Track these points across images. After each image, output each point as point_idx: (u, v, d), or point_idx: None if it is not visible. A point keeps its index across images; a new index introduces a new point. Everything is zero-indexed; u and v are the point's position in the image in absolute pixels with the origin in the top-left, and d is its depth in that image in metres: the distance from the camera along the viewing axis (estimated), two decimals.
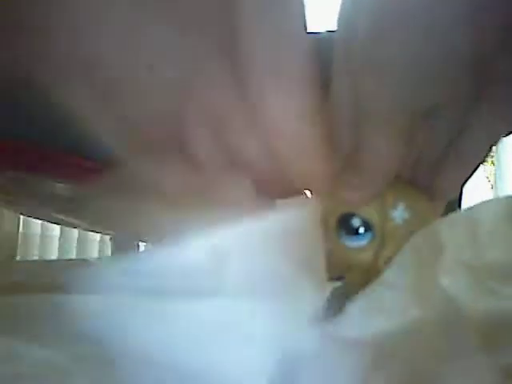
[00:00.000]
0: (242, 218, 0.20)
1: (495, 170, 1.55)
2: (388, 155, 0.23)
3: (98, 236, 1.92)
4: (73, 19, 0.19)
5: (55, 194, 0.48)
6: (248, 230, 0.21)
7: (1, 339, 0.19)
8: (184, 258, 0.20)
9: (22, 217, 1.89)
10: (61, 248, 2.00)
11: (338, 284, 0.25)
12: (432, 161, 0.25)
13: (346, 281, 0.25)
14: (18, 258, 1.90)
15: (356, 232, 0.24)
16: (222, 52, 0.22)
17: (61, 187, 0.47)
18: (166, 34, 0.21)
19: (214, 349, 0.19)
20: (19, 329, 0.20)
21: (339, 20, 0.24)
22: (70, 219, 0.58)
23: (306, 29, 0.22)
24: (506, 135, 0.25)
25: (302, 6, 0.22)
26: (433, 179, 0.25)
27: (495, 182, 1.54)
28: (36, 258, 1.94)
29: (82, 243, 1.98)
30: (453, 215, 0.22)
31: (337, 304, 0.22)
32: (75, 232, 1.97)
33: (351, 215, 0.24)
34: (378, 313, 0.21)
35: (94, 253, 1.95)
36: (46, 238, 2.01)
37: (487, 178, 1.91)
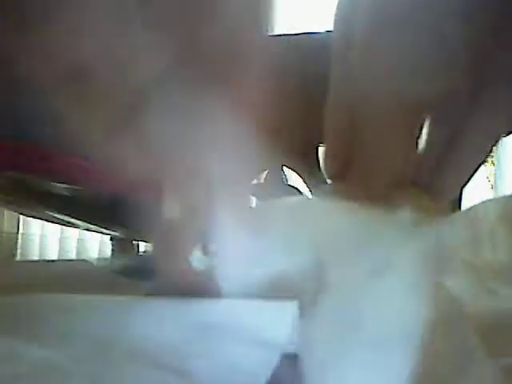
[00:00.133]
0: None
1: (495, 170, 1.55)
2: (391, 153, 0.23)
3: (98, 236, 1.93)
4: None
5: (55, 194, 0.48)
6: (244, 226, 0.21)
7: (1, 339, 0.19)
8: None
9: (21, 217, 1.89)
10: (61, 248, 2.00)
11: None
12: (432, 161, 0.25)
13: None
14: (17, 258, 1.90)
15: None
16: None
17: (61, 187, 0.47)
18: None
19: (214, 349, 0.19)
20: (19, 329, 0.20)
21: (336, 18, 0.24)
22: (70, 219, 0.58)
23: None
24: (506, 135, 0.25)
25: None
26: (433, 180, 0.25)
27: (495, 182, 1.54)
28: (36, 258, 1.94)
29: (81, 243, 1.98)
30: (454, 215, 0.22)
31: None
32: (75, 232, 1.97)
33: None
34: (377, 312, 0.21)
35: (93, 253, 1.95)
36: (46, 238, 2.01)
37: (487, 178, 1.91)
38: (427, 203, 0.25)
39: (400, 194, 0.24)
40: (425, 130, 0.25)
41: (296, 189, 0.87)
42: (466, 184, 0.25)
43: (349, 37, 0.23)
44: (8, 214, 1.90)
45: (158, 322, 0.19)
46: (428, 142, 0.25)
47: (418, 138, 0.25)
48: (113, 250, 0.79)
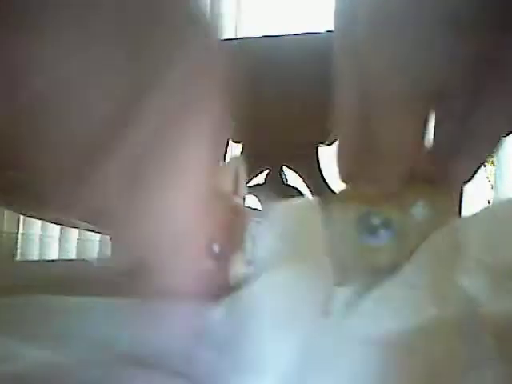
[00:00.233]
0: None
1: (495, 170, 1.55)
2: (402, 143, 0.22)
3: (97, 236, 1.92)
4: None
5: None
6: (249, 233, 0.21)
7: (1, 339, 0.19)
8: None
9: (21, 217, 1.89)
10: (61, 248, 2.00)
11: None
12: (446, 149, 0.24)
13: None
14: (17, 257, 1.90)
15: (376, 231, 0.24)
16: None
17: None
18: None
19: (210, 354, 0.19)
20: (19, 329, 0.20)
21: (336, 12, 0.24)
22: (70, 219, 0.58)
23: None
24: (507, 135, 0.25)
25: None
26: (447, 168, 0.24)
27: (495, 182, 1.54)
28: (36, 258, 1.94)
29: (82, 243, 1.98)
30: (473, 214, 0.22)
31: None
32: (75, 232, 1.97)
33: (370, 214, 0.24)
34: (392, 311, 0.21)
35: (93, 253, 1.95)
36: (46, 238, 2.01)
37: (487, 178, 1.91)
38: (440, 199, 0.25)
39: (413, 190, 0.24)
40: (437, 118, 0.24)
41: (296, 189, 0.87)
42: (469, 179, 0.25)
43: (352, 29, 0.23)
44: (8, 214, 1.90)
45: (156, 324, 0.19)
46: (441, 130, 0.25)
47: (430, 127, 0.24)
48: (113, 250, 0.79)
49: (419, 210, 0.24)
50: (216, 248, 0.22)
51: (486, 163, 0.25)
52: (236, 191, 0.27)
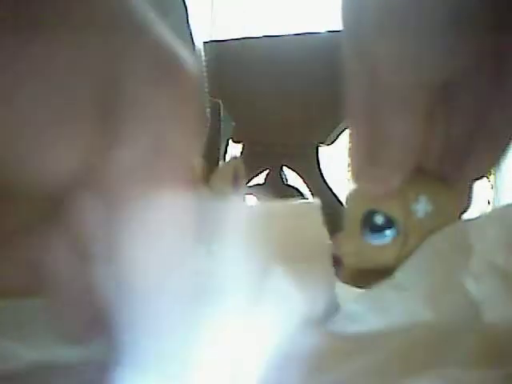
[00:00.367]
0: None
1: (495, 170, 1.55)
2: (407, 140, 0.22)
3: None
4: None
5: None
6: (248, 231, 0.21)
7: (1, 339, 0.19)
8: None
9: None
10: None
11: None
12: (458, 148, 0.24)
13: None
14: None
15: (380, 229, 0.24)
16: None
17: None
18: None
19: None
20: (19, 330, 0.20)
21: (343, 11, 0.24)
22: None
23: None
24: None
25: None
26: (461, 168, 0.24)
27: (495, 182, 1.55)
28: None
29: None
30: (484, 215, 0.22)
31: None
32: None
33: (374, 212, 0.24)
34: (380, 312, 0.20)
35: None
36: None
37: (487, 178, 1.91)
38: (446, 194, 0.24)
39: (417, 184, 0.24)
40: (445, 116, 0.24)
41: (296, 189, 0.87)
42: (481, 177, 0.24)
43: (360, 27, 0.23)
44: None
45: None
46: (451, 128, 0.25)
47: (439, 125, 0.24)
48: None
49: (424, 208, 0.24)
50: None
51: (499, 161, 0.24)
52: (235, 191, 0.27)
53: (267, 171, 0.85)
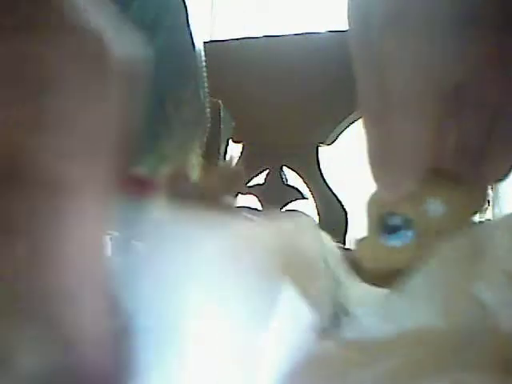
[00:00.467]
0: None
1: None
2: (420, 142, 0.22)
3: None
4: None
5: None
6: (239, 242, 0.21)
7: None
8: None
9: None
10: None
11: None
12: (475, 148, 0.24)
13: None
14: None
15: (396, 231, 0.24)
16: None
17: None
18: None
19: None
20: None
21: (350, 12, 0.23)
22: None
23: None
24: None
25: None
26: (478, 167, 0.24)
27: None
28: None
29: None
30: (496, 220, 0.21)
31: None
32: None
33: (391, 214, 0.24)
34: (392, 320, 0.20)
35: None
36: None
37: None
38: (461, 195, 0.24)
39: (432, 185, 0.24)
40: (459, 117, 0.24)
41: (296, 189, 0.87)
42: (502, 176, 0.24)
43: (368, 29, 0.22)
44: None
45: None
46: (466, 128, 0.24)
47: (453, 126, 0.24)
48: (113, 250, 0.79)
49: (438, 209, 0.23)
50: None
51: None
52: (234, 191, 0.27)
53: (267, 171, 0.85)
